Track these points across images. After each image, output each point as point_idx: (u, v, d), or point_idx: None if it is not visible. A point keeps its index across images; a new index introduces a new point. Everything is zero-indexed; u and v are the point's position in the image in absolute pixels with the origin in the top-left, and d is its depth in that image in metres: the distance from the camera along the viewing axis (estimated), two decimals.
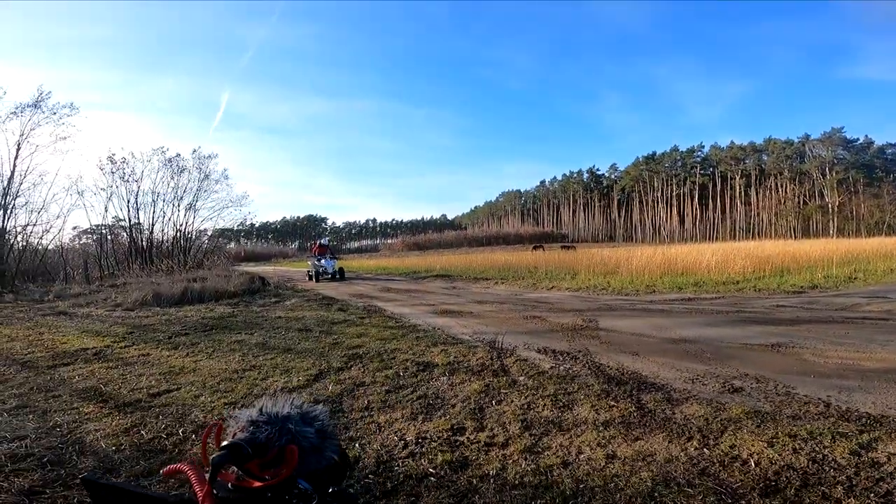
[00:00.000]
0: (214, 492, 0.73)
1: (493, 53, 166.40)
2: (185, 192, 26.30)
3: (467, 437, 3.06)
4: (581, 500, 2.29)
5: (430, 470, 2.64)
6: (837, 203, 73.36)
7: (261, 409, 0.78)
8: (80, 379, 4.87)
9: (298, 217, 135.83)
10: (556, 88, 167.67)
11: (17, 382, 4.80)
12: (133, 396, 4.19)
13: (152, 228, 25.69)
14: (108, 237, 26.12)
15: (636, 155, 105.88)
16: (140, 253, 24.37)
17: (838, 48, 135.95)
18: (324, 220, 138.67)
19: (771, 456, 2.56)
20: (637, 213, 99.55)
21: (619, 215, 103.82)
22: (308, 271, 20.10)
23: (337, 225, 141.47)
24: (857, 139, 77.42)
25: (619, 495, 2.29)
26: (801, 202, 79.05)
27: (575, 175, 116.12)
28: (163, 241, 26.35)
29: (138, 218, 25.30)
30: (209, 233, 30.19)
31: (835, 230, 67.16)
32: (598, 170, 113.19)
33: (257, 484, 0.73)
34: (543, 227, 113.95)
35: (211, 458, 0.71)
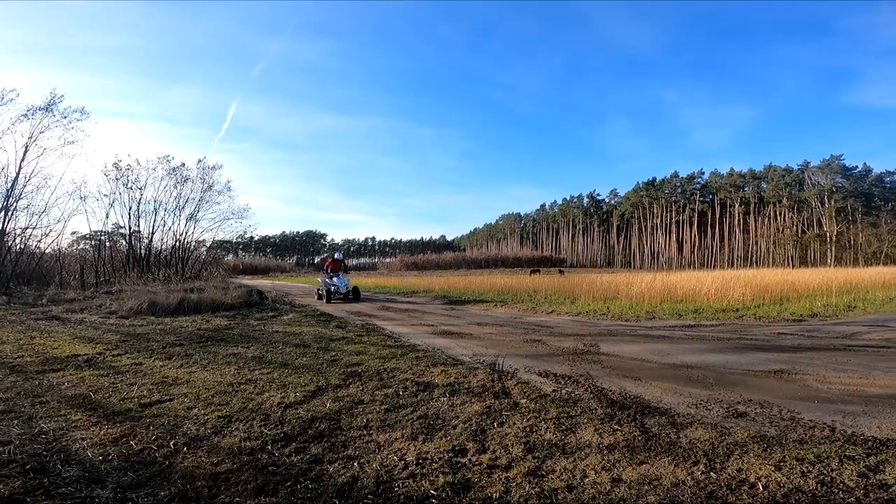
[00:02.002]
0: None
1: (504, 76, 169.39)
2: (186, 201, 26.35)
3: (469, 459, 3.01)
4: None
5: (432, 492, 2.59)
6: (836, 232, 73.90)
7: None
8: (69, 386, 4.80)
9: (297, 232, 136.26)
10: (563, 112, 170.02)
11: (4, 387, 4.72)
12: (123, 406, 4.13)
13: (151, 237, 25.71)
14: (107, 244, 26.13)
15: (637, 180, 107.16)
16: (138, 261, 24.31)
17: (842, 73, 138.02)
18: (323, 236, 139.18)
19: (779, 479, 2.54)
20: (636, 240, 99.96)
21: (618, 241, 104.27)
22: (318, 289, 17.59)
23: (336, 242, 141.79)
24: (856, 167, 78.40)
25: None
26: (800, 231, 79.59)
27: (575, 199, 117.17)
28: (161, 250, 26.34)
29: (138, 226, 25.35)
30: (208, 244, 30.22)
31: (833, 259, 67.53)
32: (598, 195, 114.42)
33: None
34: (542, 251, 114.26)
35: None
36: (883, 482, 2.45)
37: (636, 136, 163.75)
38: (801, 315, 10.55)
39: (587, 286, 16.91)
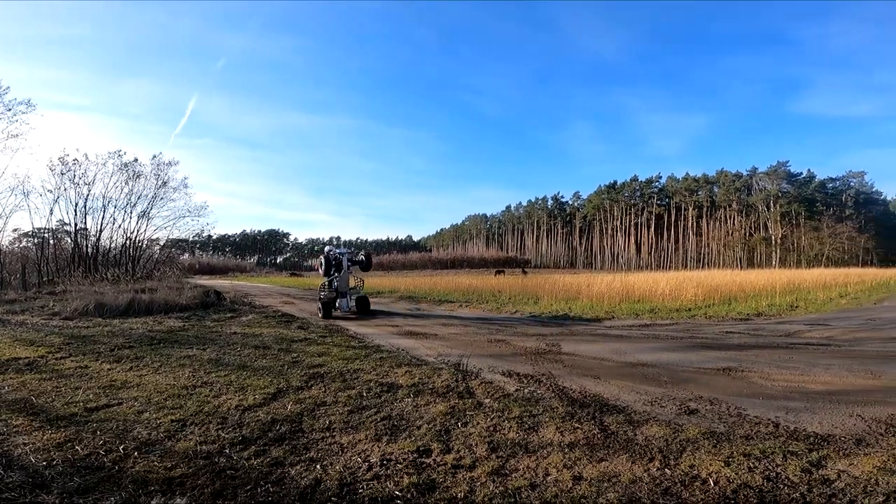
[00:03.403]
0: None
1: (476, 79, 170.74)
2: (139, 198, 25.08)
3: (434, 459, 3.02)
4: None
5: (397, 493, 2.58)
6: (780, 235, 78.66)
7: None
8: (9, 390, 4.57)
9: (259, 231, 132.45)
10: (530, 116, 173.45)
11: None
12: (68, 410, 3.96)
13: (100, 235, 24.28)
14: (51, 242, 24.48)
15: (599, 183, 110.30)
16: (84, 260, 22.95)
17: (791, 83, 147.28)
18: (286, 235, 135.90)
19: (728, 475, 2.64)
20: (597, 241, 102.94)
21: (581, 242, 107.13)
22: (319, 297, 11.90)
23: (299, 241, 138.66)
24: (801, 173, 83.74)
25: None
26: (748, 234, 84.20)
27: (540, 201, 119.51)
28: (111, 248, 24.94)
29: (85, 223, 23.87)
30: (162, 242, 28.85)
31: (777, 261, 71.79)
32: (562, 197, 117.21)
33: None
34: (507, 251, 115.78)
35: None
36: (825, 477, 2.57)
37: (599, 140, 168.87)
38: (748, 314, 11.15)
39: (550, 287, 17.26)
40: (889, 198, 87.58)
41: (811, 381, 4.74)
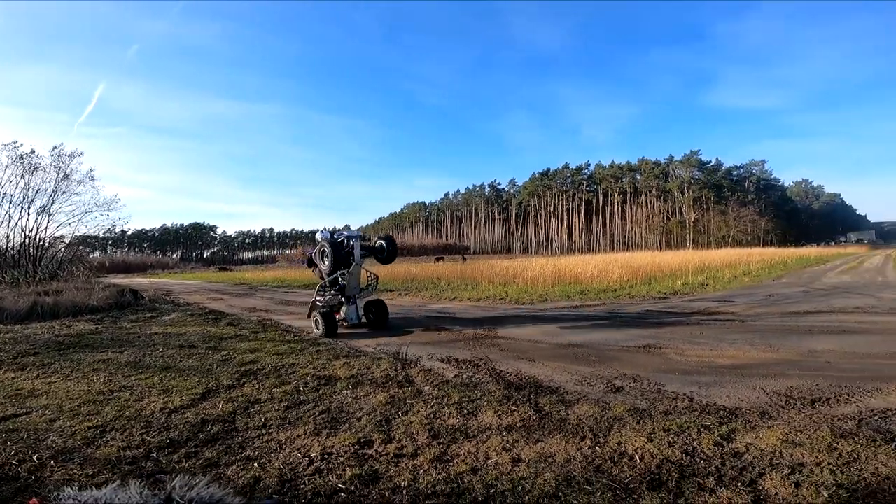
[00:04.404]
0: None
1: (416, 67, 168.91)
2: (37, 193, 22.31)
3: (375, 450, 3.01)
4: None
5: (340, 486, 2.54)
6: (693, 219, 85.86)
7: (85, 502, 0.56)
8: None
9: (182, 225, 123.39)
10: (469, 104, 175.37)
11: None
12: None
13: None
14: None
15: (533, 171, 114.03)
16: None
17: (705, 76, 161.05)
18: (212, 228, 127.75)
19: (652, 451, 2.80)
20: (533, 226, 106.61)
21: (517, 228, 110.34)
22: (316, 303, 8.23)
23: (228, 234, 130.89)
24: (710, 161, 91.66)
25: (527, 497, 2.36)
26: (666, 217, 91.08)
27: (478, 189, 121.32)
28: (7, 248, 22.07)
29: None
30: (68, 240, 25.96)
31: (691, 243, 78.32)
32: (499, 184, 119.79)
33: None
34: (447, 238, 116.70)
35: None
36: (735, 451, 2.77)
37: (534, 129, 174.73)
38: (666, 293, 12.06)
39: (487, 272, 17.63)
40: (786, 184, 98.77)
41: (719, 355, 5.17)
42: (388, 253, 8.36)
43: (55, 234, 24.21)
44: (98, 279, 23.63)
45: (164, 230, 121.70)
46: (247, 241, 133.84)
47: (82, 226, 24.77)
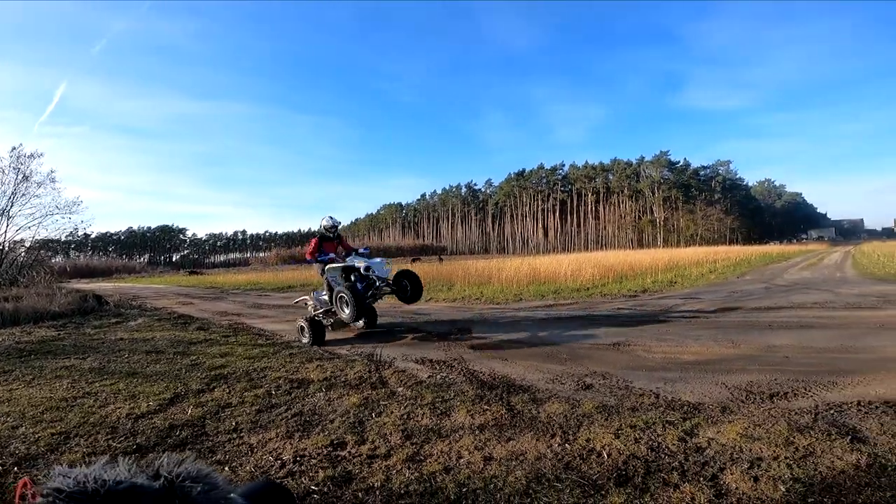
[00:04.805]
0: None
1: (391, 66, 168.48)
2: None
3: (349, 452, 3.02)
4: (464, 503, 2.36)
5: (313, 487, 2.55)
6: (663, 218, 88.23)
7: (84, 477, 0.57)
8: None
9: (149, 227, 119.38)
10: (445, 104, 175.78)
11: None
12: None
13: None
14: None
15: (509, 171, 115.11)
16: None
17: (675, 77, 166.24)
18: (182, 230, 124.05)
19: (619, 447, 2.86)
20: (509, 226, 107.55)
21: (493, 228, 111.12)
22: (310, 312, 7.33)
23: (198, 237, 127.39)
24: (679, 161, 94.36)
25: (498, 495, 2.40)
26: (637, 217, 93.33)
27: (454, 189, 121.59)
28: None
29: None
30: (27, 244, 24.81)
31: (662, 241, 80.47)
32: (475, 185, 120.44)
33: None
34: (424, 239, 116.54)
35: None
36: (698, 446, 2.85)
37: (509, 129, 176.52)
38: (636, 291, 12.36)
39: (463, 273, 17.70)
40: (750, 184, 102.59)
41: (684, 351, 5.32)
42: (412, 293, 6.93)
43: (15, 238, 23.23)
44: (60, 284, 22.76)
45: (131, 233, 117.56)
46: (218, 243, 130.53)
47: (43, 229, 23.86)
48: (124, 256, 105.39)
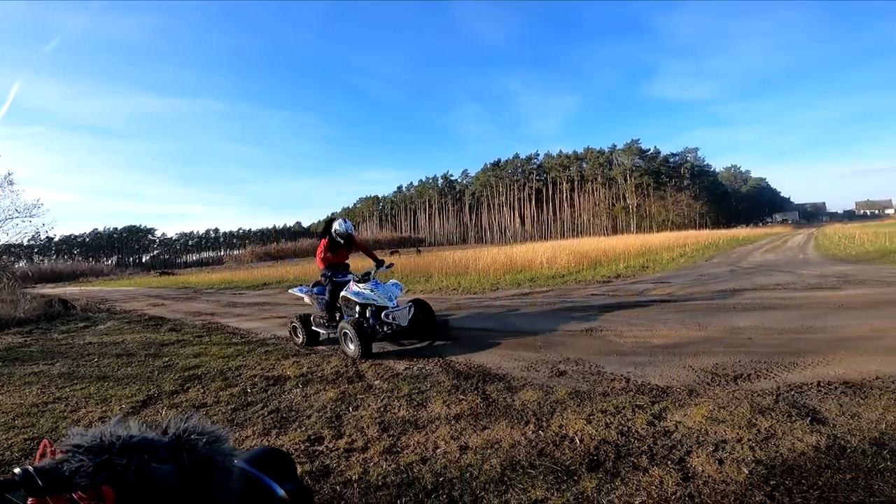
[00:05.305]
0: None
1: (365, 60, 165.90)
2: None
3: (326, 446, 3.04)
4: (441, 492, 2.38)
5: None
6: (636, 204, 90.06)
7: (101, 433, 0.62)
8: None
9: (116, 229, 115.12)
10: (420, 98, 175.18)
11: None
12: None
13: None
14: None
15: (485, 161, 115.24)
16: None
17: (645, 67, 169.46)
18: (150, 231, 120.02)
19: (591, 432, 2.91)
20: (486, 216, 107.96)
21: (471, 218, 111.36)
22: (310, 317, 6.48)
23: (168, 236, 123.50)
24: (650, 149, 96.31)
25: (474, 483, 2.43)
26: (611, 204, 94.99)
27: (431, 181, 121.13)
28: None
29: None
30: None
31: (635, 227, 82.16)
32: (452, 175, 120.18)
33: None
34: (402, 232, 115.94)
35: None
36: (666, 429, 2.91)
37: (484, 121, 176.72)
38: (609, 277, 12.60)
39: (441, 264, 17.73)
40: (717, 170, 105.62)
41: (654, 335, 5.45)
42: (426, 332, 6.09)
43: None
44: (25, 290, 21.84)
45: (96, 235, 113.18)
46: (190, 242, 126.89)
47: (2, 234, 22.74)
48: (91, 259, 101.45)
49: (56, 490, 0.56)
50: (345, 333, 5.49)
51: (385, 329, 5.77)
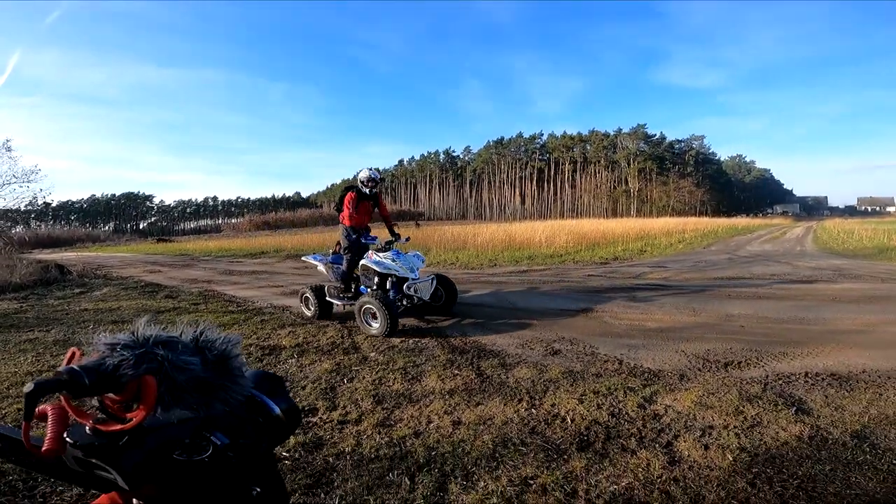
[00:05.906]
0: (66, 436, 0.57)
1: (368, 34, 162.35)
2: None
3: (320, 418, 3.06)
4: (433, 466, 2.42)
5: (284, 454, 2.57)
6: (637, 188, 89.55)
7: (132, 331, 0.63)
8: None
9: (114, 195, 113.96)
10: (423, 73, 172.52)
11: None
12: None
13: None
14: None
15: (488, 139, 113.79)
16: None
17: (655, 53, 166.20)
18: (149, 197, 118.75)
19: (582, 412, 2.96)
20: (486, 193, 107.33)
21: (471, 195, 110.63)
22: (324, 288, 6.10)
23: (167, 204, 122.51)
24: (655, 135, 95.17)
25: (466, 458, 2.47)
26: (612, 187, 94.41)
27: (432, 156, 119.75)
28: None
29: None
30: None
31: (635, 211, 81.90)
32: (453, 151, 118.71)
33: (115, 427, 0.57)
34: (401, 205, 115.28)
35: (24, 387, 0.53)
36: (655, 413, 2.95)
37: (488, 99, 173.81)
38: (607, 259, 12.63)
39: (439, 238, 17.71)
40: (722, 159, 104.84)
41: (648, 318, 5.49)
42: (446, 304, 5.98)
43: None
44: (21, 255, 21.81)
45: (94, 201, 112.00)
46: (188, 210, 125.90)
47: (1, 199, 22.60)
48: (88, 225, 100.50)
49: (101, 387, 0.56)
50: (366, 309, 5.07)
51: (405, 302, 5.57)
